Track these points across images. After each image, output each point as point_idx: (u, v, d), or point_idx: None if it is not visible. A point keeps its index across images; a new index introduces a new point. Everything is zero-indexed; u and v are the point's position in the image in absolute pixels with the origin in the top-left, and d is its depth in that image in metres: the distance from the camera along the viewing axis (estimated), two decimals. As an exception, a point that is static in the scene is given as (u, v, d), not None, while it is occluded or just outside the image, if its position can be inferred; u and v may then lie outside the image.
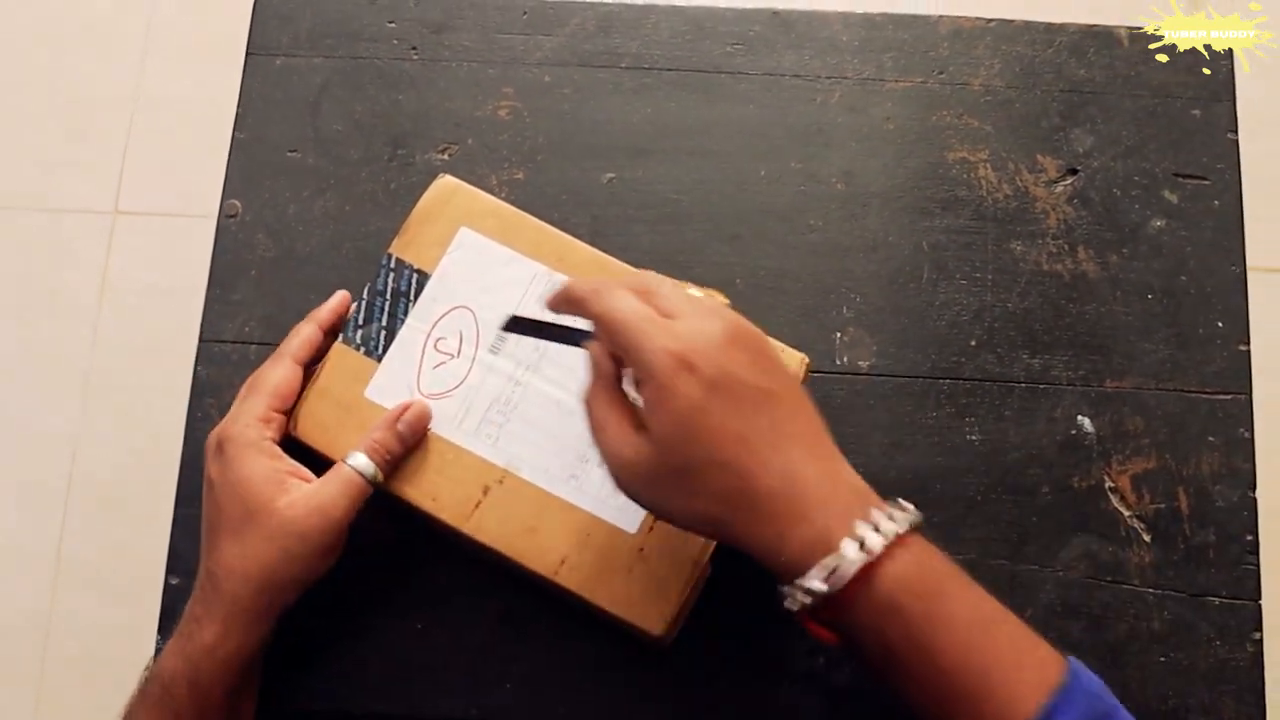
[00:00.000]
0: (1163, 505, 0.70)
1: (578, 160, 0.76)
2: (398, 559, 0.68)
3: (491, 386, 0.66)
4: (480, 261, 0.68)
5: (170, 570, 0.70)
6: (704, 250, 0.74)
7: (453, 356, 0.67)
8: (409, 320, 0.67)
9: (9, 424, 1.43)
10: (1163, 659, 0.67)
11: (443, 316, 0.67)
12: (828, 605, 0.52)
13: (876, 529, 0.51)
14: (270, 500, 0.61)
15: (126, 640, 1.35)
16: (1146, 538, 0.69)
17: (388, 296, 0.68)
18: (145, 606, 1.33)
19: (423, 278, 0.68)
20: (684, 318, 0.54)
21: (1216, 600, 0.68)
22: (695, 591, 0.64)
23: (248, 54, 0.78)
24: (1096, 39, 0.78)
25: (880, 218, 0.75)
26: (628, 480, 0.54)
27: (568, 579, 0.63)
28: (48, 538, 1.39)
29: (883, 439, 0.71)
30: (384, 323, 0.68)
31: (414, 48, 0.79)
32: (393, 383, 0.67)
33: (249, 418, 0.63)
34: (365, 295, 0.68)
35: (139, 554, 1.37)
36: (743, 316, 0.56)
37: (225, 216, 0.76)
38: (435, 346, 0.67)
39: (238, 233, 0.75)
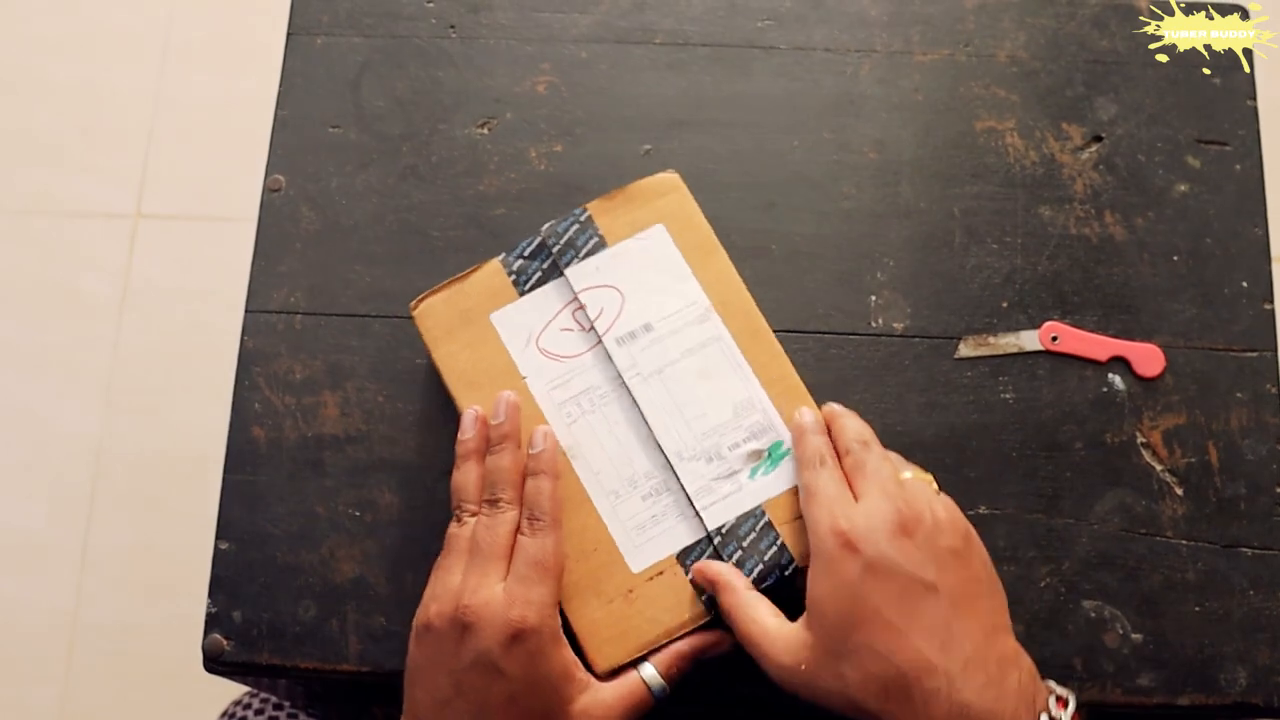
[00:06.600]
0: (1193, 459, 0.71)
1: (615, 133, 0.78)
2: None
3: (596, 374, 0.67)
4: (658, 261, 0.68)
5: (220, 536, 0.71)
6: (740, 219, 0.75)
7: (582, 330, 0.67)
8: (566, 273, 0.68)
9: (33, 425, 1.44)
10: (1197, 609, 0.69)
11: (596, 287, 0.68)
12: None
13: None
14: (569, 702, 0.60)
15: (152, 638, 1.36)
16: (1179, 491, 0.71)
17: (562, 242, 0.68)
18: (170, 604, 1.34)
19: (600, 244, 0.68)
20: (866, 498, 0.58)
21: (1249, 551, 0.70)
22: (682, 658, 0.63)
23: (289, 34, 0.80)
24: (1117, 11, 0.80)
25: (912, 185, 0.76)
26: (778, 661, 0.58)
27: None
28: (73, 537, 1.39)
29: (919, 399, 0.72)
30: (544, 265, 0.68)
31: (452, 26, 0.80)
32: (518, 321, 0.67)
33: (549, 606, 0.60)
34: (543, 230, 0.68)
35: (164, 552, 1.38)
36: (945, 506, 0.59)
37: (269, 191, 0.77)
38: (573, 313, 0.68)
39: (282, 206, 0.77)
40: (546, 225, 0.69)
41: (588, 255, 0.68)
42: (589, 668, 0.62)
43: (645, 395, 0.66)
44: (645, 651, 0.63)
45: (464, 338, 0.67)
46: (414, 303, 0.68)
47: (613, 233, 0.69)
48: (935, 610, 0.56)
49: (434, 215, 0.76)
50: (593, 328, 0.67)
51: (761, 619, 0.60)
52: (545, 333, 0.67)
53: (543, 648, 0.59)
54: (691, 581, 0.63)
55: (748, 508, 0.64)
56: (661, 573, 0.64)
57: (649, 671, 0.62)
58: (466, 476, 0.64)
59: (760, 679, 0.61)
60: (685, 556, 0.64)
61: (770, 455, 0.65)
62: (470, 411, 0.65)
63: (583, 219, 0.69)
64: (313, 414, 0.72)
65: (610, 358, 0.67)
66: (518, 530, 0.62)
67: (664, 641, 0.63)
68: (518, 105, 0.78)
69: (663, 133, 0.78)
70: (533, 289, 0.68)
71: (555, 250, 0.68)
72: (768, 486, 0.64)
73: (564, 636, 0.61)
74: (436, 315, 0.68)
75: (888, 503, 0.58)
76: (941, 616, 0.56)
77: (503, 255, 0.69)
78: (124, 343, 1.46)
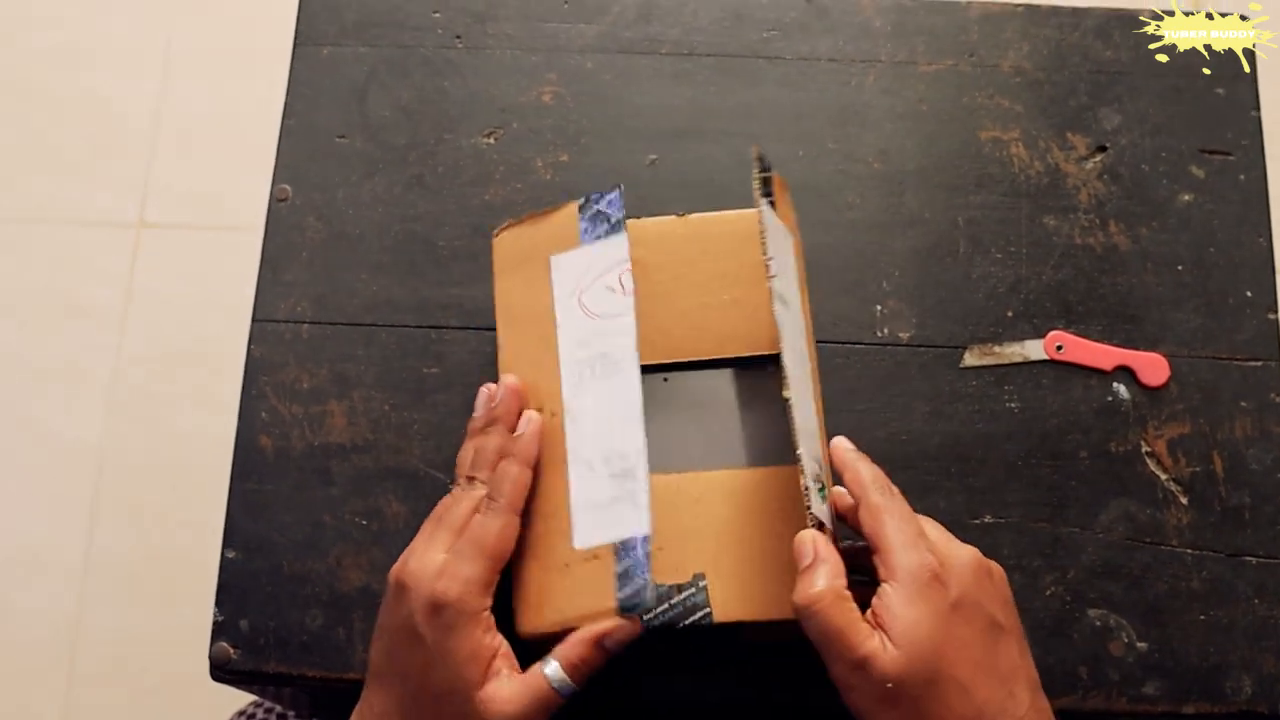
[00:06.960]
0: (1198, 469, 0.71)
1: (620, 143, 0.78)
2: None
3: (617, 343, 0.64)
4: (776, 243, 0.64)
5: (227, 544, 0.71)
6: (745, 228, 0.76)
7: (624, 294, 0.65)
8: (761, 204, 0.63)
9: (35, 434, 1.44)
10: (1203, 617, 0.69)
11: (769, 238, 0.62)
12: None
13: None
14: (476, 685, 0.59)
15: (154, 646, 1.36)
16: (1183, 500, 0.71)
17: (760, 175, 0.63)
18: (173, 613, 1.34)
19: (773, 205, 0.64)
20: (939, 542, 0.58)
21: (1254, 560, 0.70)
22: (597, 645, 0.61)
23: (295, 44, 0.81)
24: (1121, 22, 0.80)
25: (916, 195, 0.77)
26: (866, 667, 0.54)
27: None
28: (76, 545, 1.39)
29: (924, 408, 0.72)
30: (612, 220, 0.66)
31: (458, 36, 0.81)
32: (572, 269, 0.66)
33: (475, 584, 0.60)
34: (754, 147, 0.64)
35: (166, 560, 1.38)
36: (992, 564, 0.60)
37: (276, 200, 0.77)
38: (619, 274, 0.65)
39: (288, 216, 0.77)
40: (758, 145, 0.65)
41: (768, 205, 0.64)
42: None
43: (789, 353, 0.60)
44: (561, 629, 0.61)
45: (524, 274, 0.67)
46: (496, 230, 0.68)
47: (778, 208, 0.66)
48: (1008, 652, 0.57)
49: (440, 225, 0.76)
50: (633, 293, 0.64)
51: (857, 618, 0.56)
52: (592, 287, 0.65)
53: (458, 624, 0.59)
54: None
55: (821, 509, 0.60)
56: (597, 557, 0.61)
57: (552, 667, 0.60)
58: (465, 453, 0.66)
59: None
60: (620, 550, 0.61)
61: (824, 487, 0.62)
62: (484, 390, 0.66)
63: (767, 174, 0.64)
64: (319, 423, 0.73)
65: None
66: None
67: (580, 622, 0.61)
68: (523, 115, 0.79)
69: (668, 142, 0.78)
70: (595, 240, 0.66)
71: (756, 173, 0.63)
72: (823, 512, 0.60)
73: (492, 620, 0.60)
74: (508, 247, 0.68)
75: (963, 546, 0.58)
76: (1011, 659, 0.57)
77: (583, 199, 0.67)
78: (127, 351, 1.46)
